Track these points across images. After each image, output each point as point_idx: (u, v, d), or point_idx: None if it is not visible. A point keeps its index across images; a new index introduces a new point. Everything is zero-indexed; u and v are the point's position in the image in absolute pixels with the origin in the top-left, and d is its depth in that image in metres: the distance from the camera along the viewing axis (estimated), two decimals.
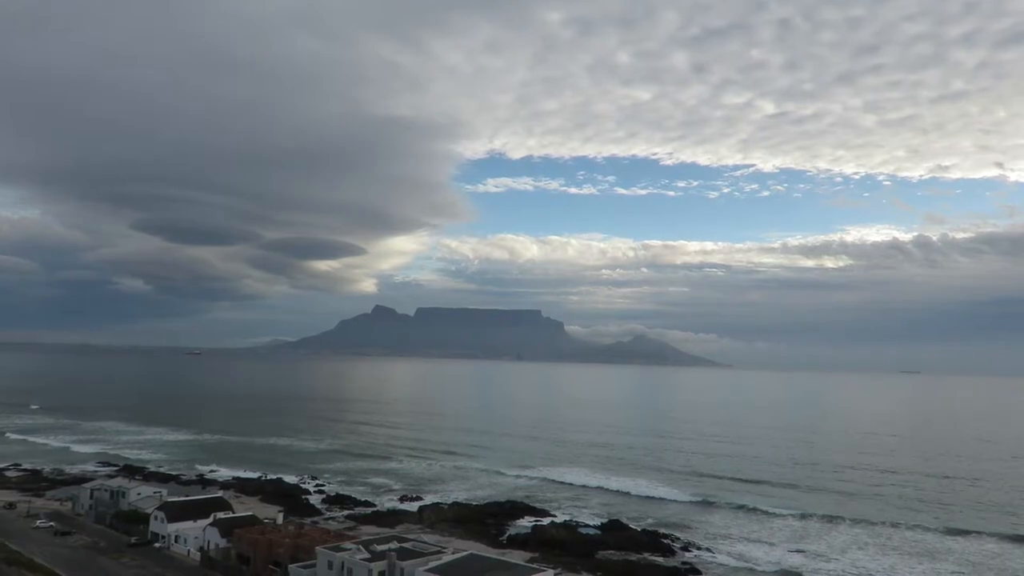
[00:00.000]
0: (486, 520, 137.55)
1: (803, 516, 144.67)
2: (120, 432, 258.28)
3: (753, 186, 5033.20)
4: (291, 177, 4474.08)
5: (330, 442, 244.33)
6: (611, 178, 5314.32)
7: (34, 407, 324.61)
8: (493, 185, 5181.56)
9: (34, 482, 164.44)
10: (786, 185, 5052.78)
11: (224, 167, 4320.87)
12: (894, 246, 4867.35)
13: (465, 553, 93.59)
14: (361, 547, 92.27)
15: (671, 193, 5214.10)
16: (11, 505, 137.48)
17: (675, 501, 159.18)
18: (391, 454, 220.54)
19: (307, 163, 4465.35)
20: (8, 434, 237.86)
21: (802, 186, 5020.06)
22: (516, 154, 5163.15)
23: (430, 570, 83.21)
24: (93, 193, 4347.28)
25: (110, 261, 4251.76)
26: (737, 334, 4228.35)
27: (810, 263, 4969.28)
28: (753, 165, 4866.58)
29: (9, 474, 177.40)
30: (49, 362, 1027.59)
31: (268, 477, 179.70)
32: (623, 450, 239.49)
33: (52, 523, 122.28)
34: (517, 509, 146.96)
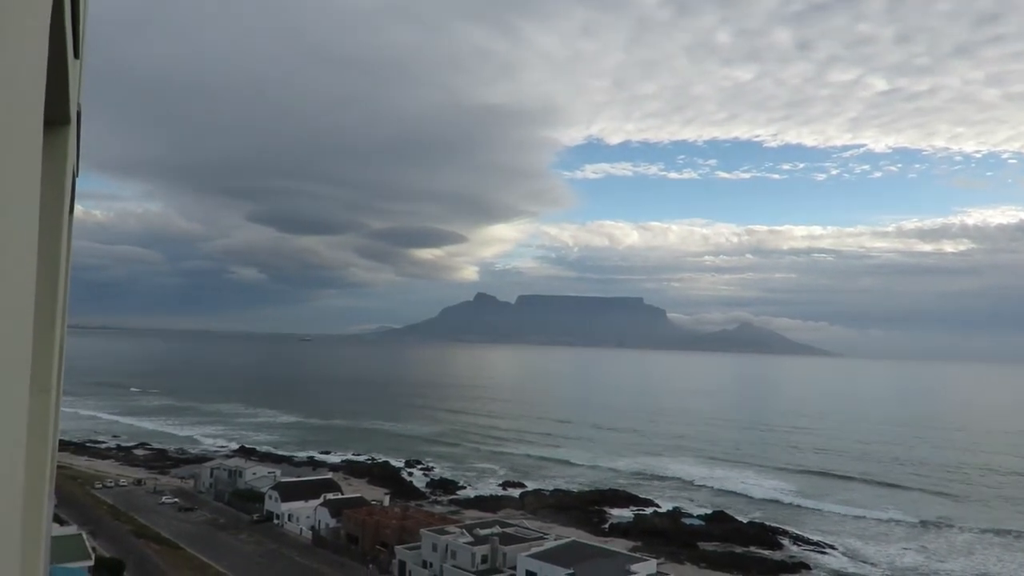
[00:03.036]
0: (588, 508, 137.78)
1: (920, 516, 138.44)
2: (236, 414, 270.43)
3: (864, 167, 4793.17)
4: (393, 167, 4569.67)
5: (434, 427, 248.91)
6: (712, 162, 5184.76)
7: (159, 391, 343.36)
8: (591, 171, 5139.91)
9: (160, 461, 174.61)
10: (900, 165, 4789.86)
11: (330, 159, 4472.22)
12: (1021, 228, 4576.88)
13: (567, 540, 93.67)
14: (464, 531, 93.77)
15: (776, 176, 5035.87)
16: (140, 482, 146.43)
17: (783, 495, 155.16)
18: (493, 441, 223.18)
19: (408, 153, 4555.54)
20: (134, 416, 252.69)
21: (918, 166, 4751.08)
22: (614, 139, 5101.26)
23: (532, 555, 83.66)
24: (210, 187, 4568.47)
25: (226, 251, 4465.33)
26: (849, 322, 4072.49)
27: (927, 247, 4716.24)
28: (863, 145, 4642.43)
29: (138, 452, 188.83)
30: (172, 347, 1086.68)
31: (375, 460, 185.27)
32: (728, 442, 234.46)
33: (176, 499, 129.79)
34: (619, 498, 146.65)
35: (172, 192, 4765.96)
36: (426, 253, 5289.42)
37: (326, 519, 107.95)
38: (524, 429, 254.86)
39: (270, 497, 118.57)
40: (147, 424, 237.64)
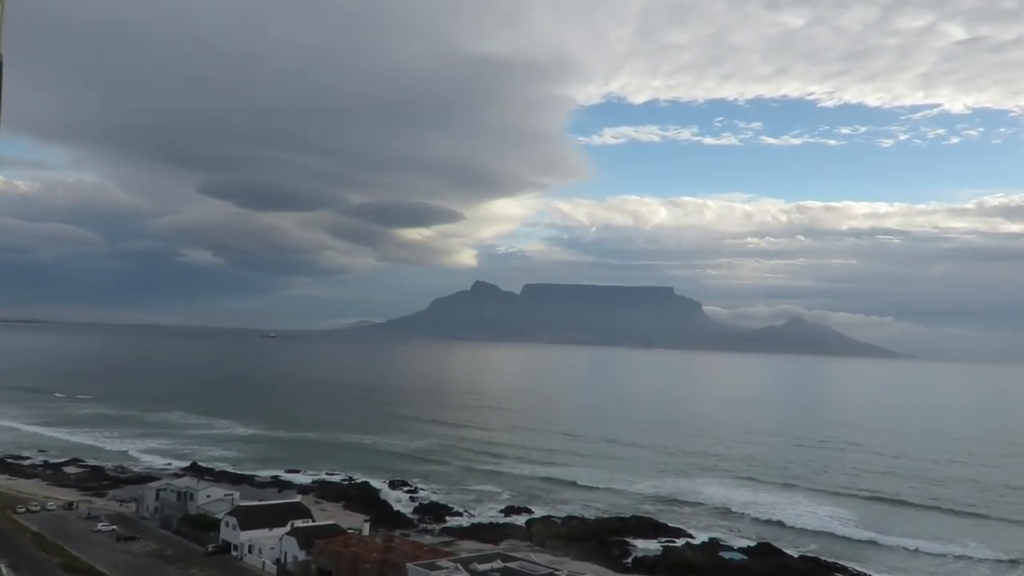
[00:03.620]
0: (607, 538, 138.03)
1: (1006, 551, 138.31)
2: (187, 425, 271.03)
3: (938, 131, 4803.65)
4: (376, 131, 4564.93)
5: (424, 442, 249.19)
6: (756, 125, 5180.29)
7: (92, 397, 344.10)
8: (611, 136, 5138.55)
9: (95, 480, 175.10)
10: (982, 129, 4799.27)
11: (301, 121, 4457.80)
12: None
13: None
14: (459, 565, 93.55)
15: (832, 142, 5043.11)
16: (71, 505, 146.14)
17: (840, 524, 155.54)
18: (495, 458, 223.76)
19: (395, 115, 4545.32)
20: (66, 426, 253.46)
21: (1003, 130, 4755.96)
22: (638, 98, 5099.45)
23: None
24: (156, 153, 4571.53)
25: (176, 230, 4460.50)
26: (918, 317, 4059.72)
27: (1016, 227, 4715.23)
28: (938, 105, 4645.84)
29: (69, 470, 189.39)
30: (111, 345, 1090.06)
31: (352, 480, 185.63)
32: (775, 460, 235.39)
33: (114, 527, 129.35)
34: (644, 526, 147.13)
35: (110, 159, 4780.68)
36: (414, 234, 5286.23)
37: (294, 551, 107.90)
38: (529, 444, 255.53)
39: (227, 524, 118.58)
40: (79, 437, 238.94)
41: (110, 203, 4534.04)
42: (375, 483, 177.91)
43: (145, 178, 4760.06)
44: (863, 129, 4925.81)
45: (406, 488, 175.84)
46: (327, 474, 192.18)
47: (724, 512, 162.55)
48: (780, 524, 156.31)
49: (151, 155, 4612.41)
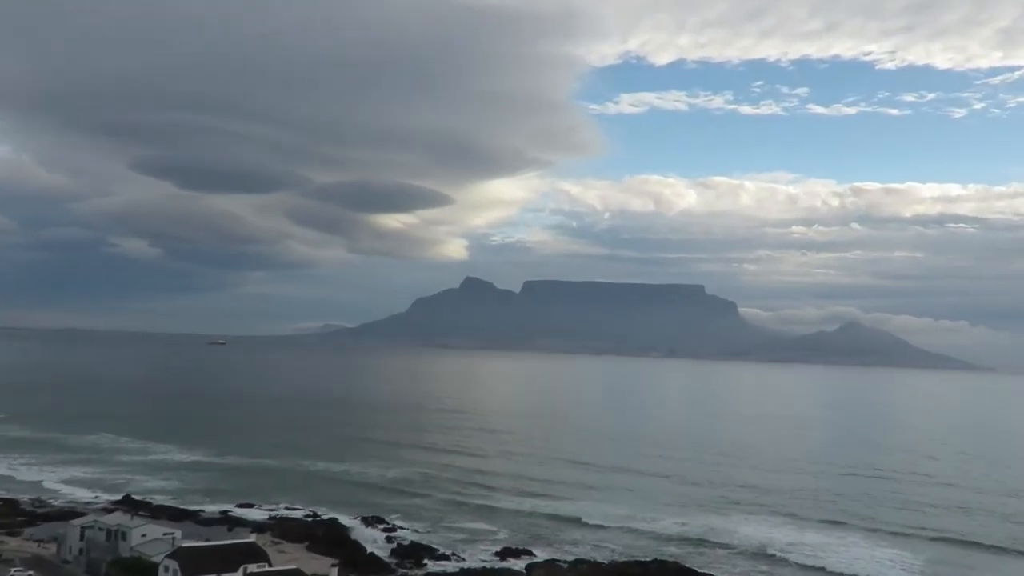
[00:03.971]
0: None
1: None
2: (119, 450, 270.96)
3: (1020, 99, 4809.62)
4: (347, 97, 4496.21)
5: (404, 470, 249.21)
6: (803, 90, 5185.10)
7: (3, 416, 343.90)
8: (629, 104, 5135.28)
9: (9, 516, 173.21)
10: None
11: (255, 84, 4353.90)
12: None
13: None
14: None
15: (894, 111, 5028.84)
16: None
17: (905, 571, 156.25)
18: (487, 490, 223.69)
19: (369, 77, 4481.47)
20: None
21: None
22: (662, 58, 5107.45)
23: None
24: (80, 122, 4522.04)
25: (106, 215, 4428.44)
26: (999, 321, 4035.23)
27: None
28: (1020, 68, 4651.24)
29: None
30: (26, 352, 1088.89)
31: (317, 516, 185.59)
32: (823, 493, 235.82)
33: (31, 572, 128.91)
34: (667, 572, 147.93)
35: (24, 129, 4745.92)
36: (393, 220, 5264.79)
37: None
38: (529, 474, 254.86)
39: (167, 569, 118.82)
40: None
41: (27, 183, 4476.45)
42: (345, 520, 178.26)
43: (69, 152, 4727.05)
44: (930, 96, 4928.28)
45: (382, 526, 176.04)
46: (287, 509, 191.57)
47: (762, 555, 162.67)
48: (829, 560, 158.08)
49: (76, 125, 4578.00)
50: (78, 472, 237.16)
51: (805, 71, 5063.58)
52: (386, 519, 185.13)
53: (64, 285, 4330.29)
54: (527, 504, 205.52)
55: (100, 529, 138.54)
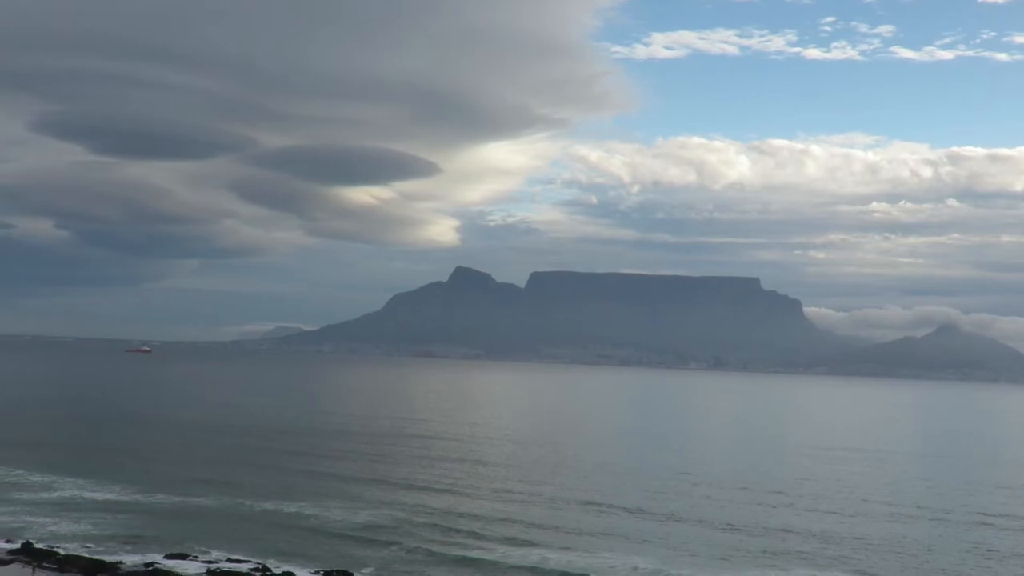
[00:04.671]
0: None
1: None
2: (16, 485, 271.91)
3: None
4: (303, 37, 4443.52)
5: (374, 512, 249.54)
6: (886, 29, 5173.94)
7: None
8: (663, 46, 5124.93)
9: None
10: None
11: (192, 22, 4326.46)
12: None
13: None
14: None
15: (1002, 56, 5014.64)
16: None
17: None
18: (478, 538, 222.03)
19: (330, 10, 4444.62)
20: None
21: None
22: None
23: None
24: None
25: None
26: None
27: None
28: None
29: None
30: None
31: (268, 570, 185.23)
32: (911, 545, 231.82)
33: None
34: None
35: None
36: (363, 194, 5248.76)
37: None
38: (530, 519, 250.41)
39: None
40: None
41: None
42: (301, 575, 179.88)
43: None
44: None
45: None
46: (229, 560, 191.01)
47: None
48: None
49: None
50: None
51: (889, 4, 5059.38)
52: (354, 574, 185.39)
53: None
54: (527, 556, 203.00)
55: None
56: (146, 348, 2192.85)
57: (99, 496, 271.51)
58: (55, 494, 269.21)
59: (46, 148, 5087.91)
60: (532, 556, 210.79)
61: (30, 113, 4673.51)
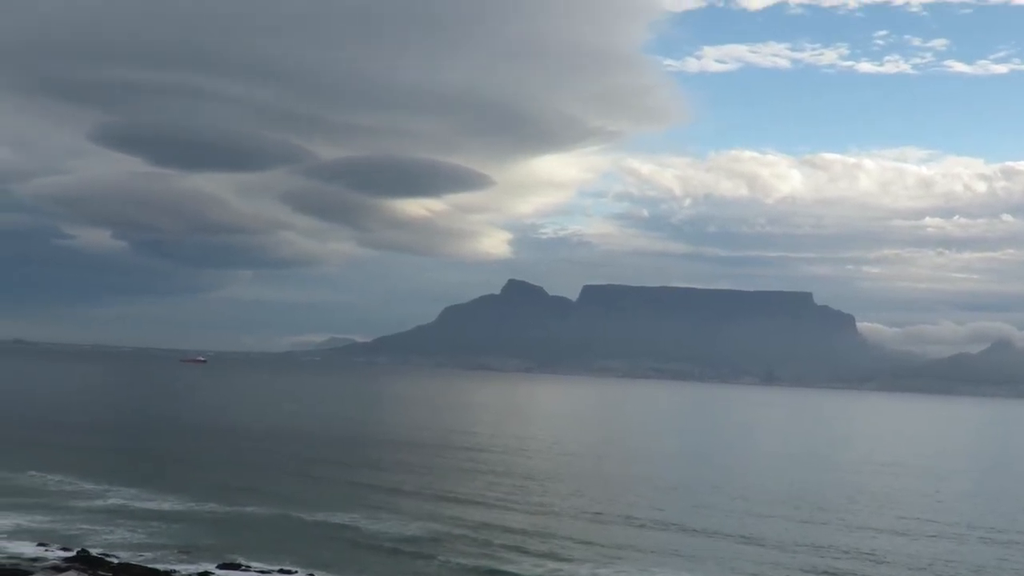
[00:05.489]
0: None
1: None
2: (73, 493, 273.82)
3: None
4: (357, 48, 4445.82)
5: (422, 525, 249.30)
6: (939, 43, 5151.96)
7: None
8: (715, 59, 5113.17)
9: None
10: None
11: (249, 34, 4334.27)
12: None
13: None
14: None
15: None
16: None
17: None
18: (529, 548, 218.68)
19: (385, 23, 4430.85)
20: None
21: None
22: (757, 0, 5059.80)
23: None
24: (24, 81, 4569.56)
25: (57, 198, 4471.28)
26: None
27: None
28: None
29: None
30: None
31: None
32: (961, 565, 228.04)
33: None
34: None
35: None
36: (416, 207, 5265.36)
37: None
38: (569, 533, 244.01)
39: None
40: None
41: None
42: None
43: (10, 119, 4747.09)
44: None
45: None
46: (281, 571, 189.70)
47: None
48: None
49: (18, 84, 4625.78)
50: (22, 520, 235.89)
51: (943, 17, 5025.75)
52: None
53: (4, 286, 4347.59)
54: (571, 570, 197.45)
55: None
56: (201, 358, 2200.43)
57: (152, 505, 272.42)
58: (109, 502, 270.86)
59: (105, 159, 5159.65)
60: (572, 571, 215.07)
61: (90, 124, 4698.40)
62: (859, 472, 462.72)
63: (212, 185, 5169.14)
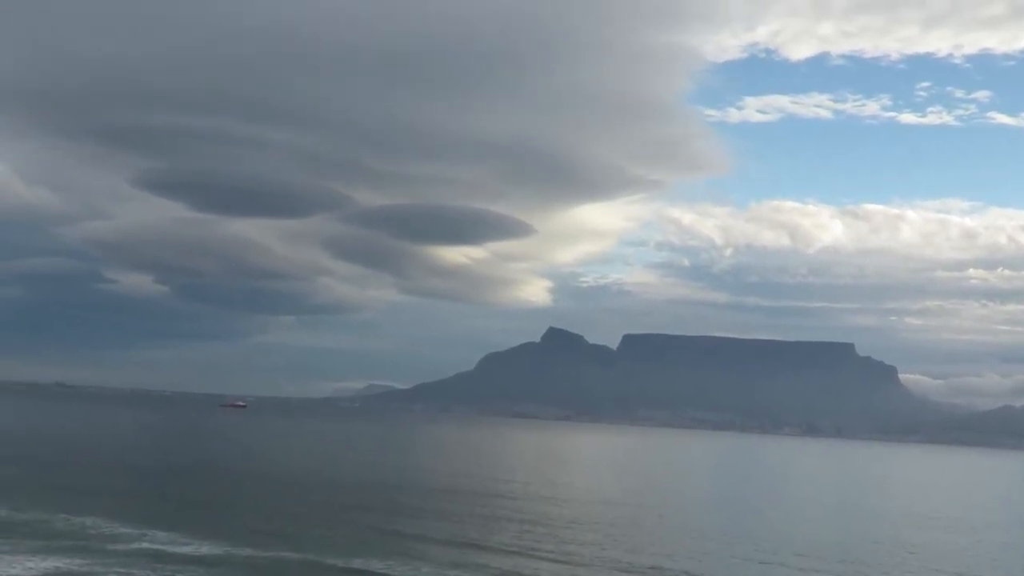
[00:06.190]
0: None
1: None
2: (111, 536, 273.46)
3: None
4: (400, 95, 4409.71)
5: (460, 574, 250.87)
6: (982, 95, 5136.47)
7: None
8: (757, 109, 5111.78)
9: None
10: None
11: (284, 78, 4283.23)
12: None
13: None
14: None
15: None
16: None
17: None
18: None
19: (428, 70, 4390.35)
20: None
21: None
22: (798, 51, 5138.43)
23: None
24: (72, 125, 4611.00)
25: (100, 242, 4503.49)
26: None
27: None
28: None
29: None
30: (2, 411, 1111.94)
31: None
32: None
33: None
34: None
35: (1, 135, 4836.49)
36: (457, 254, 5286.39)
37: None
38: None
39: None
40: None
41: (4, 200, 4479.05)
42: None
43: (55, 163, 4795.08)
44: None
45: None
46: None
47: None
48: None
49: (64, 129, 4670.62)
50: (60, 563, 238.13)
51: (985, 69, 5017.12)
52: None
53: (47, 329, 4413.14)
54: None
55: None
56: (241, 403, 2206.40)
57: (189, 550, 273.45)
58: (146, 545, 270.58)
59: (148, 204, 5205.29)
60: None
61: (133, 170, 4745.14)
62: (902, 525, 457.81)
63: (254, 230, 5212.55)
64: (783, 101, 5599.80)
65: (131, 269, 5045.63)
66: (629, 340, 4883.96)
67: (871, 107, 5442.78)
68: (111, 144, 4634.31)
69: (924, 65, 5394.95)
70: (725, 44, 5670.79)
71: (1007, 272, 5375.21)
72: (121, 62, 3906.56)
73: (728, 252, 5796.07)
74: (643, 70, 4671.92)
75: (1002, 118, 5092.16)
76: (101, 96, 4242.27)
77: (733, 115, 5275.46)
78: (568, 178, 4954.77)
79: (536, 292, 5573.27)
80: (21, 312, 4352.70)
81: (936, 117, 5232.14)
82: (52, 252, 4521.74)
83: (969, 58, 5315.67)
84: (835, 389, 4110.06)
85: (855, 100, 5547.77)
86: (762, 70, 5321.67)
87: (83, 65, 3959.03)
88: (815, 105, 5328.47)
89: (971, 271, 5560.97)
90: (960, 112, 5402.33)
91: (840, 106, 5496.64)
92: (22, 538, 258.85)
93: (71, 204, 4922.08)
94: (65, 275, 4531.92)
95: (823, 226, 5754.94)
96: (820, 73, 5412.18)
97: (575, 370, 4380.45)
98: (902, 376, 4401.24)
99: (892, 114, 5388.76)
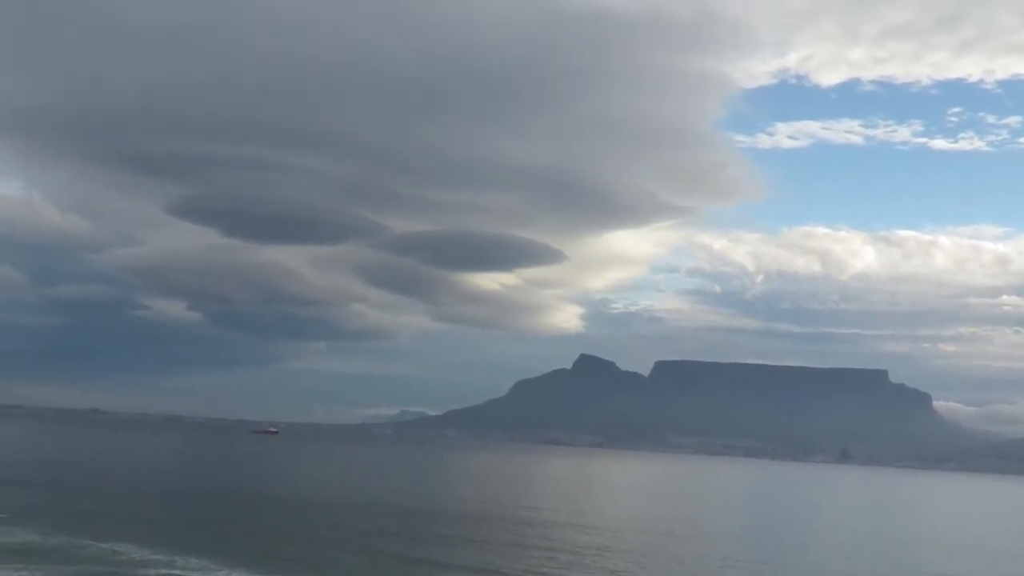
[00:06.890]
0: None
1: None
2: (141, 562, 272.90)
3: None
4: (431, 123, 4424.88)
5: None
6: (1013, 120, 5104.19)
7: (1, 515, 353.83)
8: (788, 136, 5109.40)
9: None
10: None
11: (316, 106, 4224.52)
12: None
13: None
14: None
15: None
16: None
17: None
18: None
19: (459, 98, 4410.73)
20: None
21: None
22: (829, 77, 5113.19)
23: None
24: (105, 153, 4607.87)
25: (134, 269, 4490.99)
26: None
27: None
28: None
29: None
30: (29, 438, 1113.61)
31: None
32: None
33: None
34: None
35: (37, 162, 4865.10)
36: (488, 281, 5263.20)
37: None
38: None
39: None
40: None
41: (37, 227, 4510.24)
42: None
43: (90, 190, 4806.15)
44: None
45: None
46: None
47: None
48: None
49: (98, 156, 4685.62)
50: None
51: (1017, 95, 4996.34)
52: None
53: (81, 355, 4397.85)
54: None
55: None
56: (273, 429, 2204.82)
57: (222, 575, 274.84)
58: (176, 572, 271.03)
59: (181, 231, 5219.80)
60: None
61: (166, 197, 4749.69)
62: (936, 554, 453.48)
63: (286, 257, 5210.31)
64: (814, 127, 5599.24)
65: (164, 295, 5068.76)
66: (661, 367, 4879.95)
67: (902, 133, 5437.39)
68: (145, 171, 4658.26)
69: (956, 91, 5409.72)
70: (755, 70, 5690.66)
71: None
72: (154, 90, 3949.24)
73: (759, 278, 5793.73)
74: (674, 96, 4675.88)
75: None
76: (135, 124, 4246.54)
77: (764, 141, 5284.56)
78: (599, 204, 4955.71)
79: (567, 318, 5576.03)
80: (56, 338, 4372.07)
81: (968, 143, 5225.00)
82: (86, 279, 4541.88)
83: (1001, 83, 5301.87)
84: (868, 416, 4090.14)
85: (886, 126, 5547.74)
86: (792, 96, 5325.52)
87: (117, 93, 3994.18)
88: (846, 131, 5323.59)
89: (1004, 297, 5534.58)
90: (992, 138, 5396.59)
91: (871, 132, 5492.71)
92: (53, 564, 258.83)
93: (105, 231, 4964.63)
94: (99, 302, 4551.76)
95: (855, 252, 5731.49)
96: (851, 99, 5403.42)
97: (607, 397, 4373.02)
98: (935, 403, 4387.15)
99: (923, 140, 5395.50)
